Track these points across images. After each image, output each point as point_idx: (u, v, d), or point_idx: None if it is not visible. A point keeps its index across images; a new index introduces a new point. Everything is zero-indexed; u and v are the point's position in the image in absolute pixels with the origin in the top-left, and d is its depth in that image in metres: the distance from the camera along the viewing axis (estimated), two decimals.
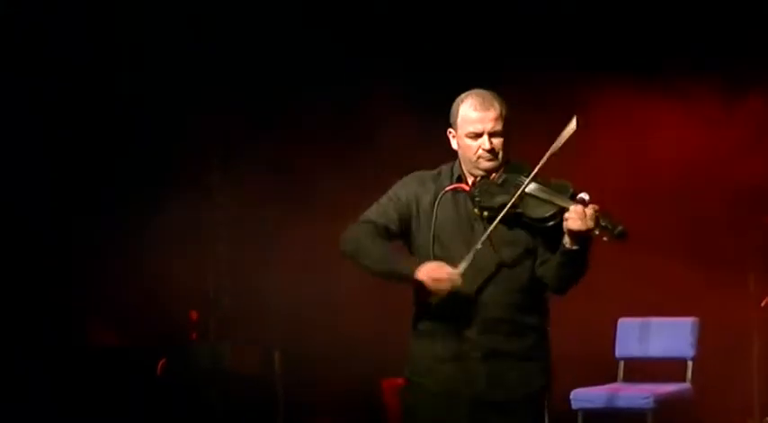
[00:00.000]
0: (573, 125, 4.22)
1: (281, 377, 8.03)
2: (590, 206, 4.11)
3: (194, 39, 8.01)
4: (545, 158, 4.21)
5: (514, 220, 4.23)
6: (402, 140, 7.66)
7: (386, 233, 4.35)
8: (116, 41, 7.86)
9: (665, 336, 7.56)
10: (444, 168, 4.44)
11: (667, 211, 8.06)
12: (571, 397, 7.15)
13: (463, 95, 4.39)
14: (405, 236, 4.39)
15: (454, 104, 4.39)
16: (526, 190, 4.21)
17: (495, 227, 4.20)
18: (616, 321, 7.67)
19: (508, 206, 4.19)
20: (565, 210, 4.14)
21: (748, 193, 7.91)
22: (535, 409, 4.34)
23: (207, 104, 8.11)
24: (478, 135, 4.30)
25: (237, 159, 8.28)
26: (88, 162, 7.91)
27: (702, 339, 7.48)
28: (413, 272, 4.21)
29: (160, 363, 7.93)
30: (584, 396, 7.17)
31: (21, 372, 7.54)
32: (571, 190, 4.21)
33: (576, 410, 7.15)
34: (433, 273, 4.18)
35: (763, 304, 7.41)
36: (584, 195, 4.22)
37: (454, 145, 4.40)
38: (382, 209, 4.39)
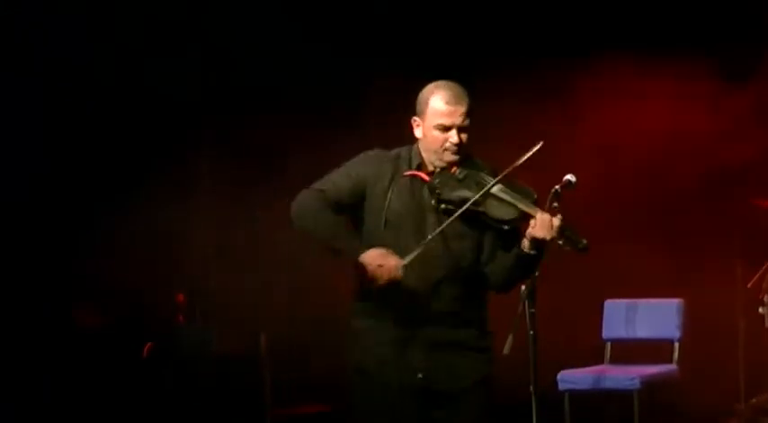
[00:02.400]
0: (539, 146, 4.22)
1: (267, 360, 8.02)
2: (557, 217, 4.14)
3: (189, 37, 8.00)
4: (514, 165, 4.21)
5: (471, 216, 4.23)
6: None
7: (336, 206, 4.32)
8: (111, 41, 7.86)
9: (651, 317, 7.58)
10: (403, 152, 4.41)
11: (654, 192, 8.07)
12: (558, 379, 7.16)
13: (432, 86, 4.36)
14: (352, 212, 4.36)
15: (423, 93, 4.36)
16: (491, 190, 4.21)
17: (449, 221, 4.20)
18: (602, 303, 7.68)
19: (470, 203, 4.19)
20: (528, 215, 4.17)
21: (735, 176, 7.92)
22: (481, 398, 4.34)
23: (193, 94, 8.14)
24: (447, 128, 4.28)
25: (223, 144, 8.28)
26: (76, 153, 7.90)
27: (689, 321, 7.50)
28: (357, 255, 4.19)
29: (147, 346, 7.92)
30: (571, 378, 7.18)
31: (6, 355, 7.53)
32: (535, 196, 4.23)
33: (563, 392, 7.16)
34: (376, 260, 4.17)
35: (749, 286, 7.41)
36: (570, 177, 4.23)
37: (418, 133, 4.38)
38: (337, 182, 4.35)
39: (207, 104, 8.24)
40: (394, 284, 4.18)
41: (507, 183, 4.25)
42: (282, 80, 8.20)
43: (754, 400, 7.51)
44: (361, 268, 4.19)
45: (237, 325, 8.10)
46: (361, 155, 4.43)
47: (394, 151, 4.42)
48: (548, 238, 4.14)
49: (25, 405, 7.46)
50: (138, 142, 7.99)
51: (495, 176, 4.24)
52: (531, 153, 4.21)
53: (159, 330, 8.04)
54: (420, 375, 4.28)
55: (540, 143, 4.20)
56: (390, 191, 4.31)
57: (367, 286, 4.22)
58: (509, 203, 4.22)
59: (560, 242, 4.16)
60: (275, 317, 8.03)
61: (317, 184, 4.38)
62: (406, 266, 4.17)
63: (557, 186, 4.24)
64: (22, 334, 7.63)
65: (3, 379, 7.46)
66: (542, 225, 4.13)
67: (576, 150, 7.61)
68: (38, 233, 7.77)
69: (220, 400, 7.91)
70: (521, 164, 4.21)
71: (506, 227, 4.24)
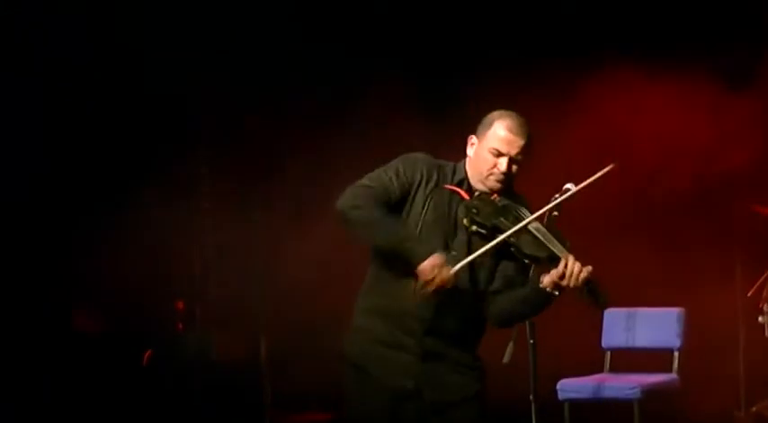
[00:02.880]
0: (606, 170, 4.29)
1: (267, 366, 8.02)
2: (586, 268, 4.16)
3: (188, 38, 8.01)
4: (554, 203, 4.24)
5: (500, 247, 4.24)
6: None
7: (384, 206, 4.30)
8: (109, 41, 7.87)
9: (651, 326, 7.57)
10: (447, 165, 4.42)
11: (655, 200, 8.06)
12: (557, 387, 7.14)
13: (502, 111, 4.38)
14: (395, 211, 4.34)
15: (490, 116, 4.38)
16: (528, 226, 4.23)
17: (485, 250, 4.20)
18: (602, 311, 7.67)
19: (508, 234, 4.19)
20: (556, 259, 4.18)
21: (735, 183, 7.91)
22: (473, 413, 4.35)
23: (194, 100, 8.14)
24: (501, 154, 4.30)
25: (223, 148, 8.28)
26: (76, 156, 7.90)
27: (689, 330, 7.49)
28: (422, 260, 4.17)
29: (147, 353, 7.92)
30: (571, 387, 7.17)
31: (6, 361, 7.52)
32: (568, 244, 4.24)
33: (563, 401, 7.15)
34: (435, 269, 4.15)
35: (749, 294, 7.40)
36: (570, 186, 4.24)
37: (470, 152, 4.39)
38: (386, 181, 4.32)
39: (207, 106, 8.23)
40: (443, 292, 4.19)
41: (543, 223, 4.27)
42: (282, 81, 8.19)
43: (754, 409, 7.51)
44: (416, 270, 4.18)
45: (237, 332, 8.10)
46: (408, 156, 4.42)
47: (438, 161, 4.44)
48: (570, 286, 4.16)
49: (26, 413, 7.46)
50: (137, 146, 7.99)
51: (532, 214, 4.27)
52: (592, 179, 4.28)
53: (159, 337, 8.04)
54: (410, 383, 4.30)
55: (611, 166, 4.29)
56: (430, 198, 4.33)
57: (414, 292, 4.20)
58: (541, 242, 4.23)
59: (582, 293, 4.17)
60: (275, 323, 8.03)
61: (365, 181, 4.34)
62: (456, 273, 4.18)
63: (557, 195, 4.26)
64: (21, 340, 7.62)
65: (3, 386, 7.46)
66: (573, 274, 4.15)
67: (575, 156, 7.62)
68: (37, 237, 7.76)
69: (220, 406, 7.91)
70: (568, 197, 4.25)
71: (531, 263, 4.27)
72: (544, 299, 4.23)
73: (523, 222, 4.22)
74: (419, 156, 4.43)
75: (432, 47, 8.21)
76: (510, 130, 4.31)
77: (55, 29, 7.73)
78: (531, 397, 4.38)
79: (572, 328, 7.47)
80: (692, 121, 7.98)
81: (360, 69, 8.15)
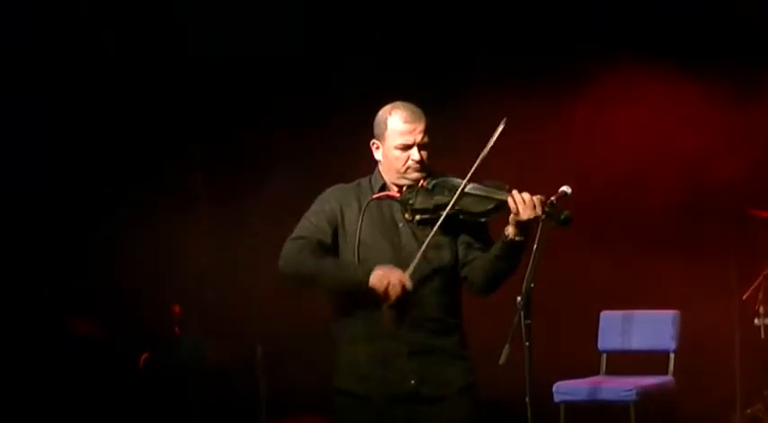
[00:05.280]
0: (501, 127, 4.29)
1: (263, 371, 8.02)
2: (536, 196, 4.20)
3: (183, 45, 8.02)
4: (479, 160, 4.29)
5: (447, 220, 4.29)
6: None
7: (320, 248, 4.37)
8: (104, 51, 7.88)
9: (647, 329, 7.58)
10: (363, 181, 4.49)
11: (649, 203, 8.07)
12: (553, 390, 7.16)
13: (388, 107, 4.44)
14: (334, 248, 4.40)
15: (380, 115, 4.44)
16: (465, 190, 4.28)
17: (436, 229, 4.25)
18: (598, 314, 7.68)
19: (451, 204, 4.26)
20: (505, 203, 4.23)
21: (731, 186, 7.92)
22: (466, 405, 4.38)
23: (188, 104, 8.15)
24: (408, 147, 4.36)
25: (219, 155, 8.29)
26: (73, 163, 7.91)
27: (684, 332, 7.50)
28: (365, 280, 4.22)
29: (143, 357, 7.91)
30: (567, 389, 7.18)
31: (2, 365, 7.52)
32: (507, 186, 4.29)
33: (559, 403, 7.16)
34: (384, 279, 4.20)
35: (744, 297, 7.42)
36: (566, 189, 4.27)
37: (378, 156, 4.46)
38: (313, 224, 4.40)
39: (203, 114, 8.24)
40: (407, 296, 4.23)
41: (478, 181, 4.32)
42: (277, 89, 8.20)
43: (749, 411, 7.52)
44: (372, 291, 4.23)
45: (233, 336, 8.10)
46: (323, 194, 4.50)
47: (353, 183, 4.51)
48: (532, 216, 4.19)
49: (20, 416, 7.45)
50: (132, 151, 8.00)
51: (463, 179, 4.31)
52: (494, 138, 4.28)
53: (155, 341, 8.03)
54: (413, 381, 4.33)
55: (503, 124, 4.28)
56: (361, 217, 4.37)
57: (381, 305, 4.25)
58: (484, 197, 4.30)
59: (543, 218, 4.20)
60: (271, 328, 8.03)
61: (294, 235, 4.42)
62: (411, 276, 4.22)
63: (552, 197, 4.28)
64: (18, 344, 7.62)
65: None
66: (525, 205, 4.19)
67: (569, 161, 7.64)
68: (33, 242, 7.77)
69: (216, 410, 7.91)
70: (487, 152, 4.28)
71: (484, 219, 4.33)
72: (514, 249, 4.27)
73: (460, 187, 4.26)
74: (330, 189, 4.49)
75: (429, 52, 8.21)
76: (406, 121, 4.36)
77: (51, 30, 7.75)
78: (526, 399, 4.36)
79: (568, 331, 7.49)
80: (687, 126, 8.00)
81: (357, 78, 8.16)
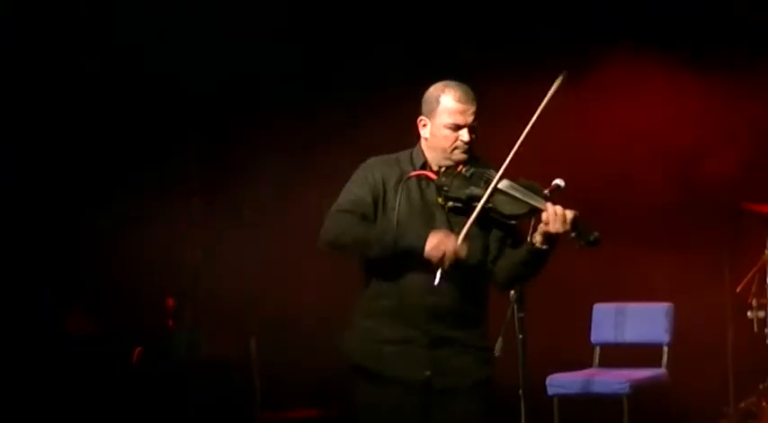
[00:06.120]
0: (560, 79, 4.33)
1: (257, 364, 8.02)
2: (569, 210, 4.18)
3: (180, 43, 8.02)
4: (535, 117, 4.28)
5: (480, 215, 4.25)
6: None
7: (363, 219, 4.33)
8: (98, 50, 7.88)
9: (640, 321, 7.58)
10: (402, 155, 4.44)
11: (642, 196, 8.08)
12: (547, 383, 7.15)
13: (441, 84, 4.38)
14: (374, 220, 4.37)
15: (432, 92, 4.38)
16: (498, 186, 4.24)
17: (471, 222, 4.22)
18: (591, 307, 7.69)
19: (484, 200, 4.21)
20: (538, 210, 4.20)
21: (725, 180, 7.92)
22: (484, 397, 4.39)
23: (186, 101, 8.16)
24: (459, 127, 4.31)
25: (215, 150, 8.29)
26: (67, 155, 7.90)
27: (678, 325, 7.50)
28: (423, 246, 4.19)
29: (136, 351, 7.91)
30: (560, 382, 7.19)
31: None
32: (542, 191, 4.26)
33: (552, 396, 7.16)
34: (440, 245, 4.18)
35: (738, 290, 7.42)
36: (559, 182, 4.26)
37: (425, 133, 4.40)
38: (355, 196, 4.36)
39: (197, 107, 8.23)
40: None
41: (512, 178, 4.28)
42: (273, 85, 8.21)
43: (742, 404, 7.52)
44: (417, 259, 4.21)
45: (227, 329, 8.10)
46: (363, 164, 4.45)
47: (393, 155, 4.45)
48: (561, 231, 4.18)
49: (15, 411, 7.45)
50: (126, 145, 8.00)
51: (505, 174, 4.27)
52: (552, 91, 4.30)
53: (149, 335, 8.03)
54: (428, 372, 4.32)
55: (562, 76, 4.31)
56: (399, 192, 4.33)
57: (433, 273, 4.21)
58: (518, 199, 4.25)
59: (572, 235, 4.19)
60: (265, 321, 8.03)
61: (337, 206, 4.36)
62: (463, 242, 4.19)
63: (545, 191, 4.27)
64: (11, 339, 7.62)
65: None
66: (556, 218, 4.17)
67: (563, 153, 7.63)
68: (26, 238, 7.76)
69: (210, 404, 7.91)
70: (545, 106, 4.29)
71: (514, 222, 4.29)
72: (539, 257, 4.26)
73: (493, 182, 4.22)
74: (371, 160, 4.45)
75: (426, 51, 8.20)
76: (459, 101, 4.32)
77: (46, 27, 7.74)
78: (520, 392, 4.36)
79: (561, 324, 7.49)
80: (682, 120, 8.00)
81: (356, 77, 8.16)
